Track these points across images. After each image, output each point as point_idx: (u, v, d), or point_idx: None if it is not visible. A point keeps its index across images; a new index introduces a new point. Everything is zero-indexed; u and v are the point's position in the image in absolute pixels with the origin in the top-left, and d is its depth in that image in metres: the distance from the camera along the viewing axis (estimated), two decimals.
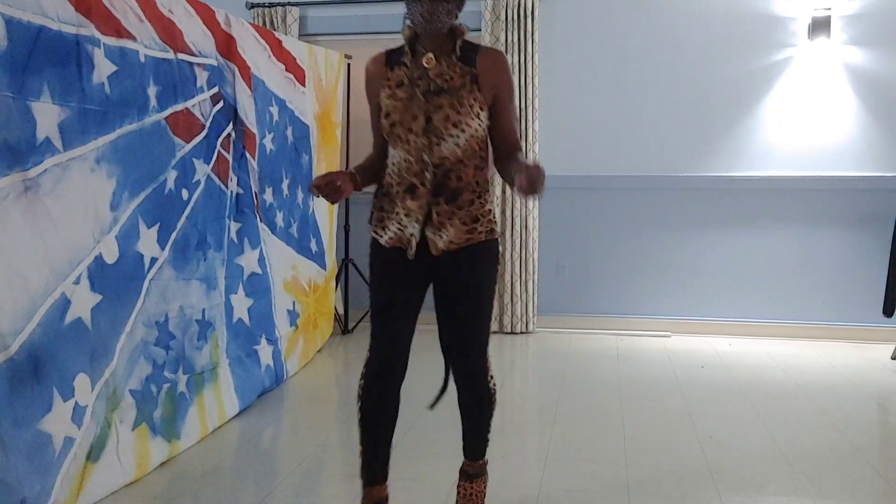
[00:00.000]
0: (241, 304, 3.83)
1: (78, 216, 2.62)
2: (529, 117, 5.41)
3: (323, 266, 4.90)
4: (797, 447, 3.24)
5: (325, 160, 4.93)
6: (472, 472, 2.50)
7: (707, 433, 3.39)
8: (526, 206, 5.46)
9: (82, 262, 2.63)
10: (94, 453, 2.65)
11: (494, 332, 5.47)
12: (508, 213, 5.48)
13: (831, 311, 5.30)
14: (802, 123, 5.28)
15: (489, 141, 2.30)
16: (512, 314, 5.50)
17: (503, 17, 5.41)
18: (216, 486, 2.87)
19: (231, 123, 3.71)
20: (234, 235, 3.76)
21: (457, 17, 2.22)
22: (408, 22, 2.23)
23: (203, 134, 3.44)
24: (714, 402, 3.90)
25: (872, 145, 5.21)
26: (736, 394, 4.03)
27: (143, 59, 2.98)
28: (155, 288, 3.08)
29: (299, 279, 4.56)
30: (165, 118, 3.14)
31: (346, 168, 5.36)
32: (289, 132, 4.42)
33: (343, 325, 5.46)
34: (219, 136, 3.59)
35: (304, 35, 5.74)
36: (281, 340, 4.20)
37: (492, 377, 2.40)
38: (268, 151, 4.13)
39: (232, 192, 3.73)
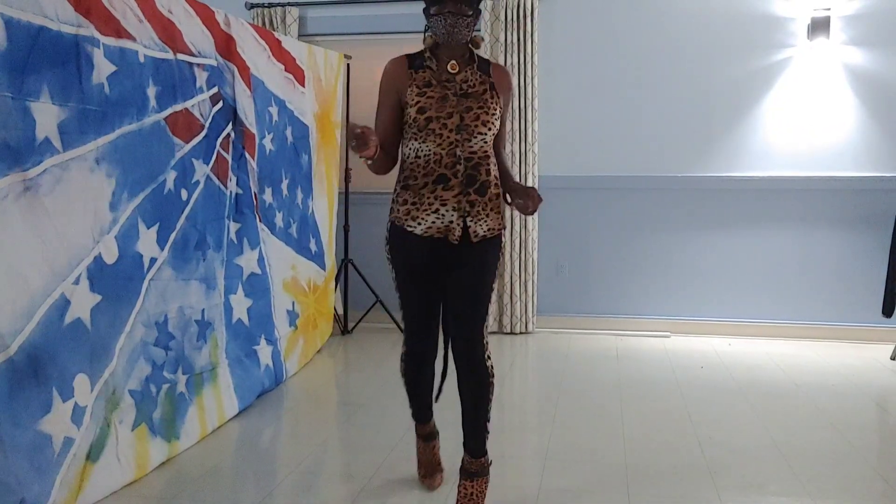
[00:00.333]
0: (241, 305, 3.83)
1: (77, 216, 2.62)
2: (529, 117, 5.41)
3: (322, 266, 4.90)
4: (797, 447, 3.24)
5: (324, 160, 4.93)
6: (474, 469, 2.55)
7: (707, 433, 3.40)
8: None
9: (82, 263, 2.63)
10: (94, 453, 2.65)
11: (494, 333, 5.48)
12: (508, 213, 5.48)
13: (831, 311, 5.30)
14: (802, 124, 5.29)
15: None
16: (511, 314, 5.49)
17: (503, 17, 5.41)
18: (216, 487, 2.87)
19: (230, 124, 3.71)
20: (233, 236, 3.76)
21: (473, 31, 2.46)
22: (429, 33, 2.47)
23: (202, 134, 3.44)
24: (714, 402, 3.90)
25: (872, 145, 5.21)
26: (735, 394, 4.03)
27: (142, 60, 2.98)
28: (154, 288, 3.08)
29: (299, 279, 4.56)
30: (165, 118, 3.14)
31: (347, 166, 5.39)
32: (288, 132, 4.42)
33: (342, 326, 5.46)
34: (218, 137, 3.59)
35: (303, 35, 5.73)
36: (280, 341, 4.20)
37: (489, 357, 2.52)
38: (267, 152, 4.13)
39: (231, 192, 3.73)
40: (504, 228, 2.56)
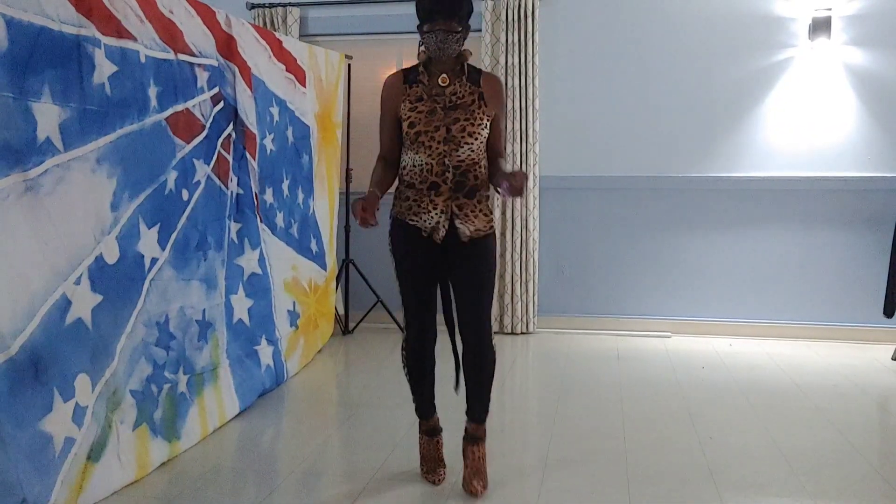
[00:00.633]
0: (242, 305, 3.84)
1: (78, 216, 2.62)
2: (529, 117, 5.42)
3: (323, 266, 4.91)
4: (797, 447, 3.24)
5: (325, 160, 4.93)
6: (479, 434, 2.82)
7: (707, 433, 3.40)
8: (526, 207, 5.46)
9: (83, 263, 2.63)
10: (95, 453, 2.65)
11: (496, 333, 5.42)
12: (508, 213, 5.48)
13: (831, 312, 5.30)
14: (803, 124, 5.28)
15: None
16: (512, 315, 5.50)
17: (504, 17, 5.41)
18: (216, 487, 2.87)
19: (231, 124, 3.71)
20: (234, 236, 3.76)
21: (463, 45, 2.66)
22: (422, 48, 2.66)
23: (203, 134, 3.44)
24: (714, 402, 3.90)
25: (873, 146, 5.21)
26: (736, 394, 4.03)
27: (143, 60, 2.98)
28: (155, 288, 3.08)
29: (299, 279, 4.56)
30: (166, 119, 3.15)
31: (348, 167, 5.40)
32: (289, 132, 4.42)
33: (343, 326, 5.47)
34: (219, 137, 3.60)
35: (304, 35, 5.74)
36: (281, 341, 4.20)
37: (493, 339, 2.78)
38: (268, 152, 4.14)
39: (232, 192, 3.73)
40: (493, 229, 2.74)
